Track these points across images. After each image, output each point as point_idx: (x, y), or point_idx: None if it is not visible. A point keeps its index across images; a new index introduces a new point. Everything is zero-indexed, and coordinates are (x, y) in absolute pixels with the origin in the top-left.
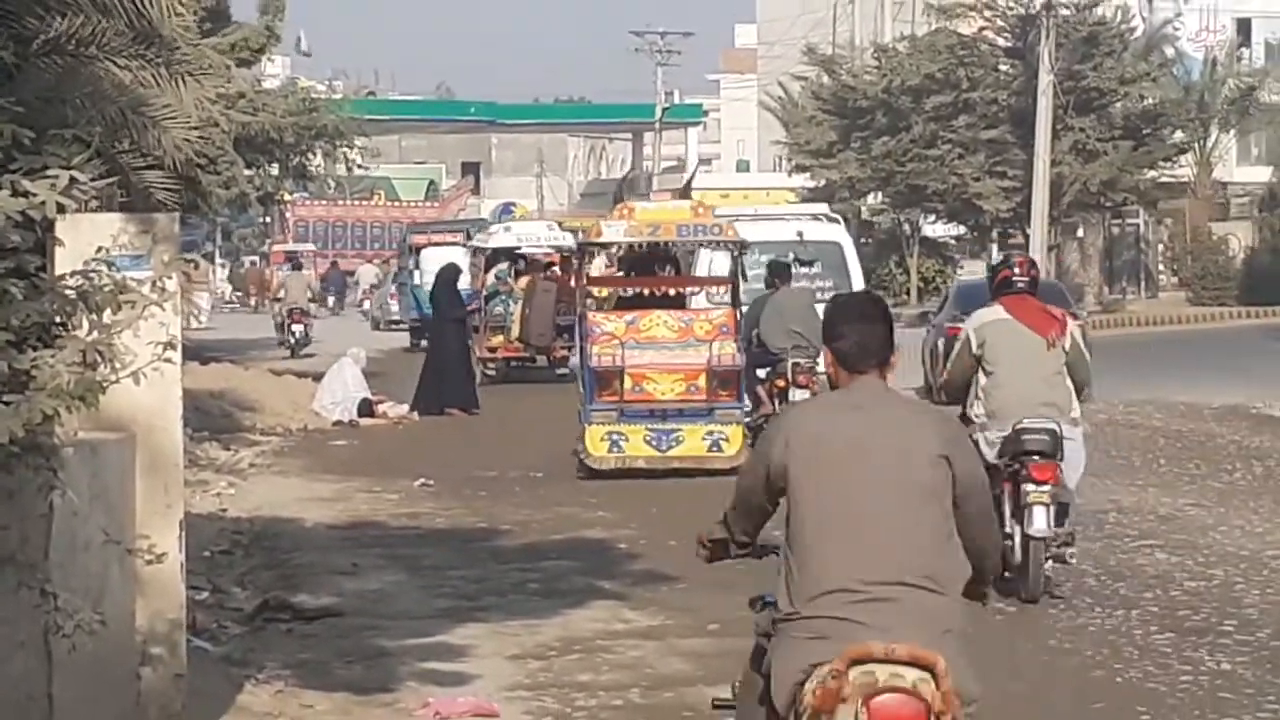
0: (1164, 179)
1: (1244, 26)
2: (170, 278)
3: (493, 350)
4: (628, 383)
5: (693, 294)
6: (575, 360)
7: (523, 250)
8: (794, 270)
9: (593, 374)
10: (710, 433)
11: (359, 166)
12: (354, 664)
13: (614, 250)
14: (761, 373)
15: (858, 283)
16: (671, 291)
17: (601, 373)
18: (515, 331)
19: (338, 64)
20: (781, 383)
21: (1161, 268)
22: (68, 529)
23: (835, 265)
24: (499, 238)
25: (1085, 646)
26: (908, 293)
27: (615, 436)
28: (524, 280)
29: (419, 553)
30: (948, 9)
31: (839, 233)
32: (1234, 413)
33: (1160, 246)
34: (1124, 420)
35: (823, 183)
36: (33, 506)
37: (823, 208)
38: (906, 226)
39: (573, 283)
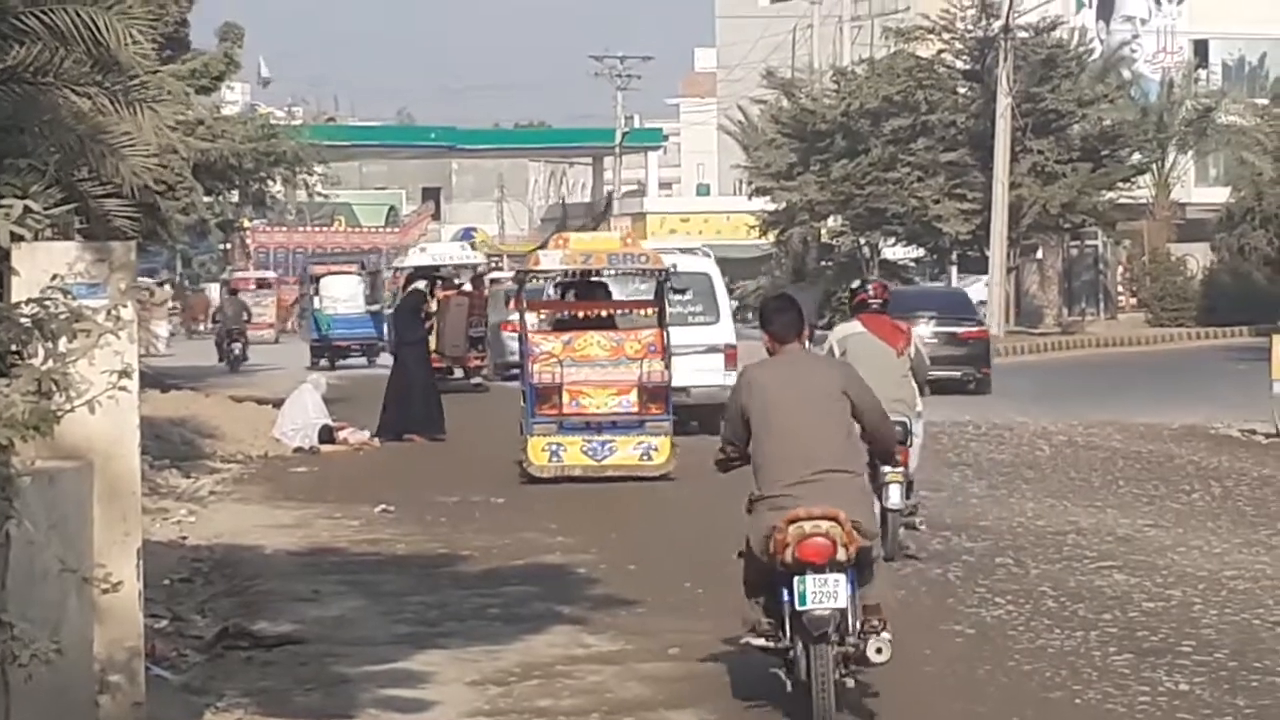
0: (1122, 200)
1: (1201, 48)
2: (126, 305)
3: None
4: (565, 398)
5: (623, 315)
6: (491, 371)
7: (440, 270)
8: (669, 297)
9: (534, 390)
10: (641, 443)
11: (319, 193)
12: (314, 691)
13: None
14: None
15: (724, 307)
16: (604, 314)
17: (541, 389)
18: (432, 344)
19: (297, 91)
20: None
21: (1120, 289)
22: (25, 558)
23: (705, 292)
24: (415, 258)
25: (1045, 668)
26: None
27: (555, 447)
28: (443, 294)
29: (379, 579)
30: (906, 32)
31: (709, 265)
32: (1193, 433)
33: (1119, 268)
34: (1084, 441)
35: (783, 205)
36: None
37: (698, 244)
38: (866, 249)
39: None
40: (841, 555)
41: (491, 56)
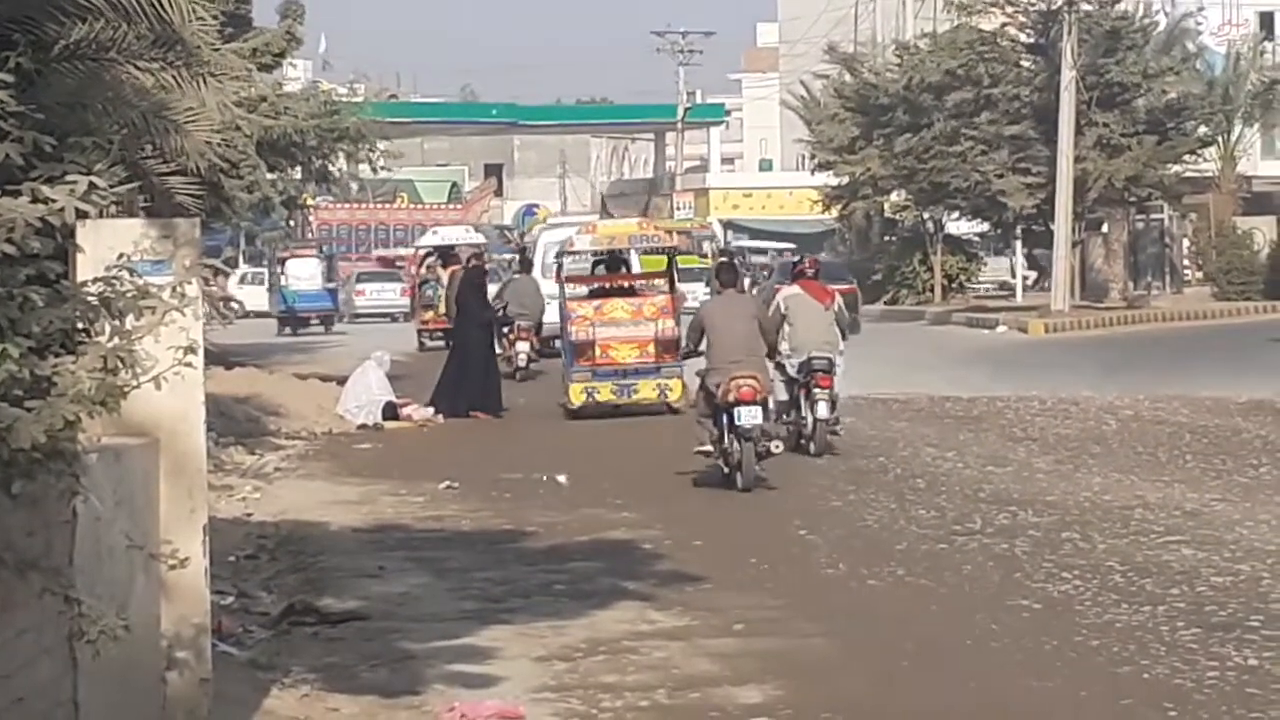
0: (1188, 173)
1: (1267, 20)
2: (190, 282)
3: (425, 323)
4: (598, 351)
5: (642, 285)
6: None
7: (453, 249)
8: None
9: (573, 345)
10: (658, 385)
11: (382, 169)
12: (380, 667)
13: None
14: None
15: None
16: (625, 284)
17: (579, 344)
18: (442, 308)
19: (359, 68)
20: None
21: (1186, 262)
22: (91, 535)
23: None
24: (430, 239)
25: (1112, 643)
26: (931, 290)
27: (590, 390)
28: (450, 269)
29: (444, 555)
30: (969, 6)
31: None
32: (1260, 408)
33: (1185, 241)
34: (1150, 416)
35: (846, 180)
36: (56, 513)
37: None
38: (930, 224)
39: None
40: (759, 397)
41: (553, 33)
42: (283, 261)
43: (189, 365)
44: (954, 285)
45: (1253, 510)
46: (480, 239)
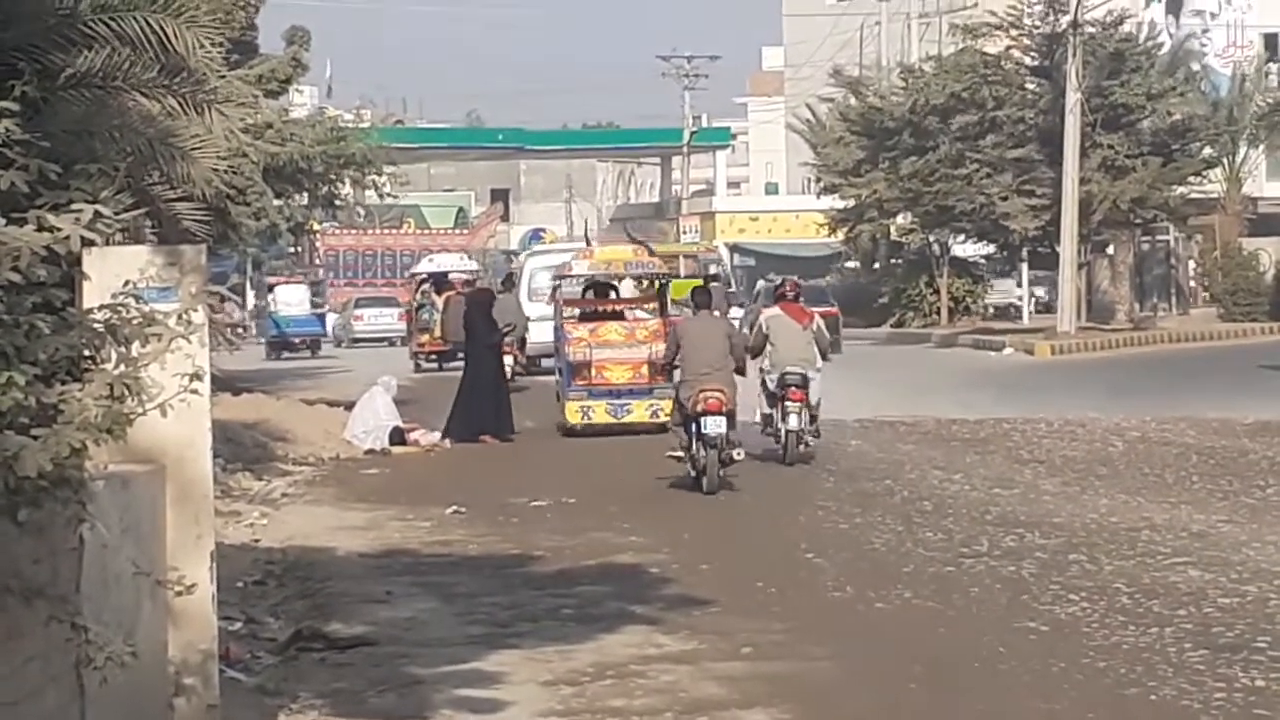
0: (1194, 195)
1: (1271, 42)
2: (196, 309)
3: (421, 345)
4: (594, 372)
5: (632, 310)
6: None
7: (447, 275)
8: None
9: (570, 366)
10: (651, 405)
11: (388, 195)
12: (388, 692)
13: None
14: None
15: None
16: (619, 308)
17: (576, 365)
18: (437, 331)
19: (365, 93)
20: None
21: (1193, 284)
22: (98, 562)
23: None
24: (426, 266)
25: (1119, 665)
26: (938, 312)
27: (586, 409)
28: (445, 295)
29: (452, 580)
30: (973, 29)
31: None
32: (1267, 429)
33: (1191, 263)
34: (1157, 437)
35: (851, 203)
36: (63, 540)
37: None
38: (936, 246)
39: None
40: (724, 409)
41: (559, 57)
42: (272, 288)
43: (195, 392)
44: (960, 307)
45: (1260, 531)
46: (473, 266)
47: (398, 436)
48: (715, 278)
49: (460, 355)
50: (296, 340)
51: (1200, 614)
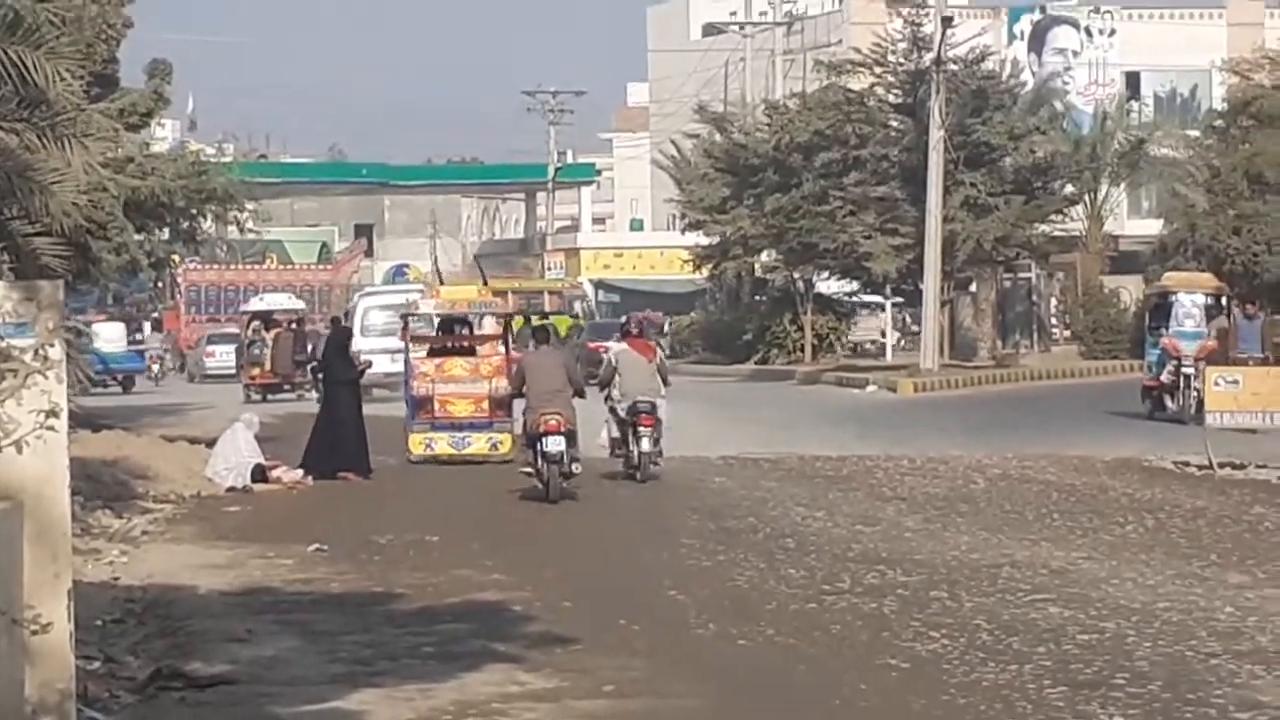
0: (1056, 233)
1: (1133, 80)
2: (53, 345)
3: (253, 378)
4: (436, 406)
5: (478, 346)
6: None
7: (274, 313)
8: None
9: (414, 400)
10: (490, 438)
11: (250, 230)
12: None
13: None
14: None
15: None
16: (465, 344)
17: (420, 399)
18: (268, 365)
19: (228, 128)
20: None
21: (1054, 321)
22: None
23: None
24: (254, 305)
25: (979, 702)
26: (802, 349)
27: (429, 441)
28: (273, 331)
29: (313, 618)
30: (837, 66)
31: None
32: (1126, 466)
33: (1053, 300)
34: (1018, 474)
35: (716, 239)
36: None
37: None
38: (800, 283)
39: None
40: (562, 429)
41: (423, 92)
42: (89, 323)
43: (52, 429)
44: (824, 345)
45: (1118, 568)
46: (300, 305)
47: (260, 474)
48: (545, 316)
49: (286, 388)
50: (113, 378)
51: (1059, 650)
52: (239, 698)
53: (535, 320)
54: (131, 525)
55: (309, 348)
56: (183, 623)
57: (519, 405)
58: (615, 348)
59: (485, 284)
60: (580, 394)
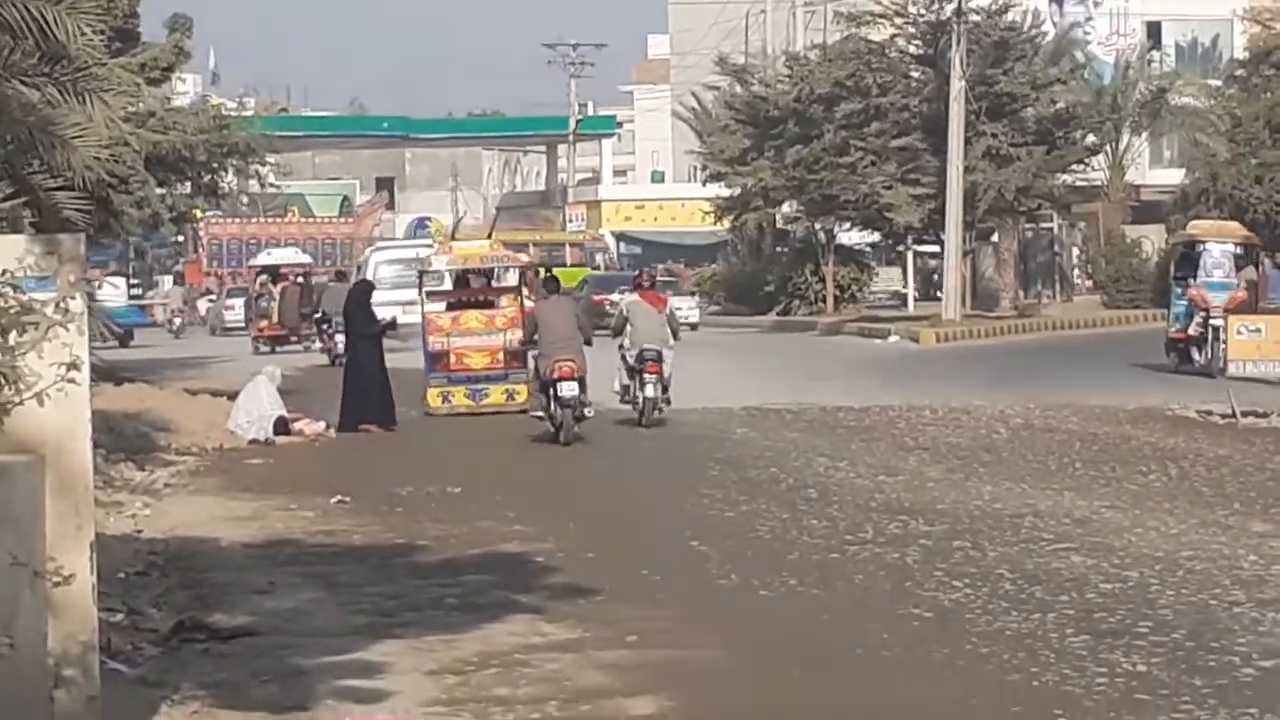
0: (1077, 183)
1: (1154, 30)
2: (74, 298)
3: (261, 330)
4: (453, 359)
5: (494, 299)
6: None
7: (280, 267)
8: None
9: (430, 354)
10: (507, 390)
11: (271, 184)
12: (271, 683)
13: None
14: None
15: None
16: (481, 298)
17: (436, 353)
18: (275, 318)
19: (249, 82)
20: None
21: (1076, 271)
22: None
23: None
24: (263, 260)
25: (1002, 650)
26: (824, 300)
27: (446, 394)
28: (281, 285)
29: (336, 570)
30: (858, 17)
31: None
32: (1149, 415)
33: (1075, 250)
34: (1040, 424)
35: (737, 191)
36: None
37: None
38: (821, 234)
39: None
40: (575, 375)
41: (445, 45)
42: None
43: (73, 381)
44: (846, 295)
45: (1141, 517)
46: (306, 259)
47: (282, 426)
48: (549, 270)
49: (293, 340)
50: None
51: (1082, 599)
52: (261, 649)
53: (543, 273)
54: (154, 478)
55: (315, 299)
56: (205, 575)
57: (533, 355)
58: (627, 298)
59: (490, 237)
60: (588, 341)
